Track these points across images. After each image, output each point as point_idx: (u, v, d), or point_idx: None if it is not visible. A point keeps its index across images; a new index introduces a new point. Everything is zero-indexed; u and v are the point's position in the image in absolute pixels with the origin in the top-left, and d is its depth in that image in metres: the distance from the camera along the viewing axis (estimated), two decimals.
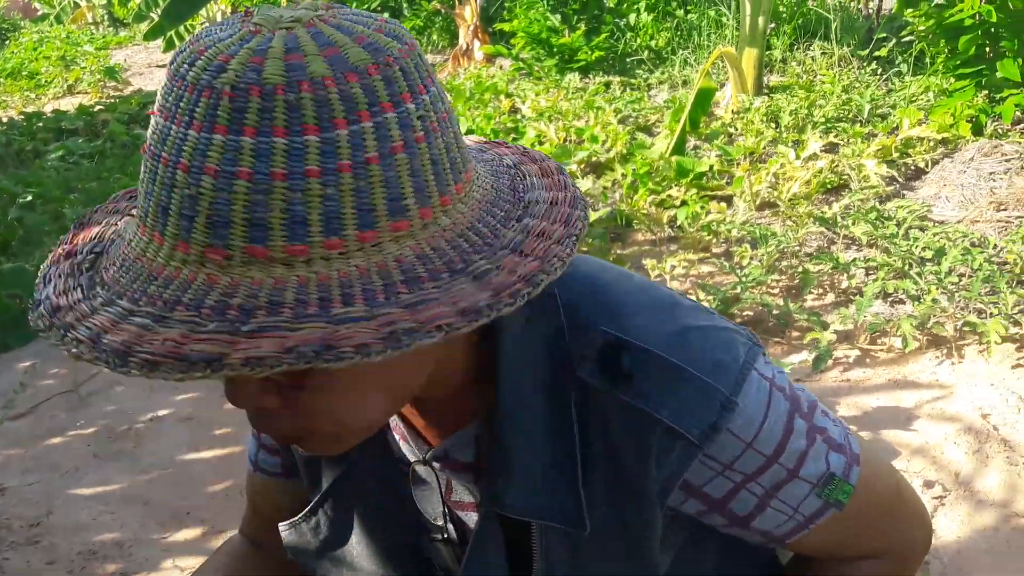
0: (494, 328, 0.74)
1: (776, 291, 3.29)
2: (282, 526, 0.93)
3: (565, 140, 4.93)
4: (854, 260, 3.33)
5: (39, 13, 14.12)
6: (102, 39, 11.98)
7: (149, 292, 0.58)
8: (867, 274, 3.32)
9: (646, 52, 6.88)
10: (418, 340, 0.54)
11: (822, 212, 3.73)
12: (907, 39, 5.79)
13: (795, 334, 3.01)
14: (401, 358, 0.55)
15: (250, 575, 1.04)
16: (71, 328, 0.57)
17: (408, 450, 0.87)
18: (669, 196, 4.00)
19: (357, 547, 0.90)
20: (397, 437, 0.87)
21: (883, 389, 2.72)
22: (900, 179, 4.17)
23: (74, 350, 0.56)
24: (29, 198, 4.91)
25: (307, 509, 0.91)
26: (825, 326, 2.90)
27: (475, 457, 0.82)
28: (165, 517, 2.40)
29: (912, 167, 4.32)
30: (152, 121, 0.60)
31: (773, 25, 6.41)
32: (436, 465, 0.85)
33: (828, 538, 0.83)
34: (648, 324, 0.76)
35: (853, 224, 3.54)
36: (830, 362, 2.82)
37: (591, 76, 6.64)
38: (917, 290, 3.02)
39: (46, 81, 9.64)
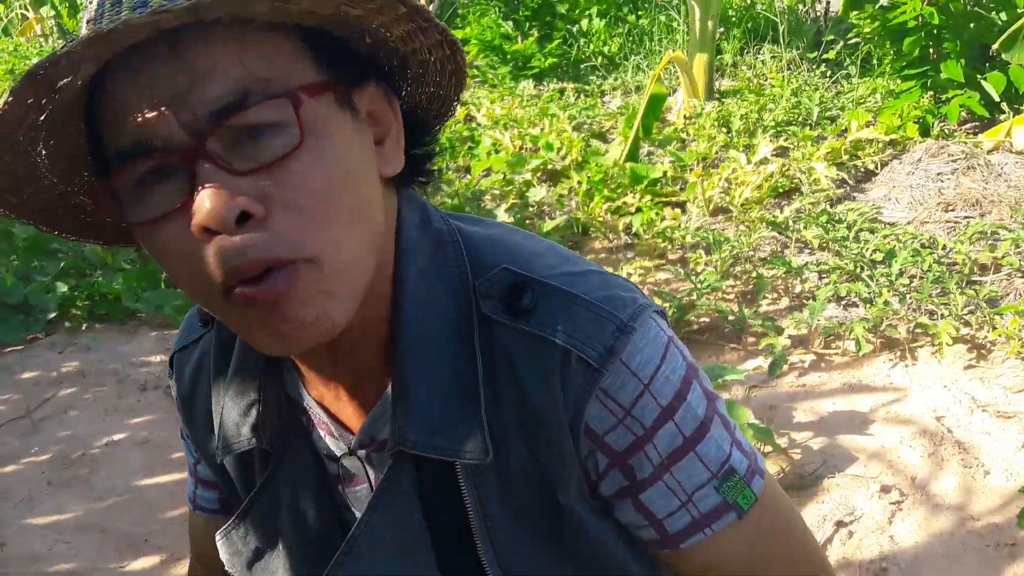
0: (397, 277, 0.78)
1: (731, 296, 3.32)
2: (217, 535, 0.91)
3: (521, 148, 4.94)
4: (807, 264, 3.37)
5: None
6: (51, 51, 11.76)
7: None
8: (820, 278, 3.37)
9: (599, 58, 6.92)
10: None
11: (774, 216, 3.78)
12: (854, 41, 5.88)
13: (751, 340, 3.04)
14: (362, 179, 0.69)
15: None
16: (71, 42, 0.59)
17: (334, 444, 0.87)
18: (624, 203, 4.03)
19: (285, 554, 0.89)
20: (322, 433, 0.87)
21: (838, 393, 2.76)
22: (850, 181, 4.24)
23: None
24: None
25: (235, 516, 0.89)
26: (780, 331, 2.94)
27: None
28: (122, 544, 2.36)
29: (862, 169, 4.39)
30: None
31: (723, 30, 6.48)
32: (362, 454, 0.85)
33: (727, 561, 0.82)
34: (550, 263, 0.80)
35: (805, 228, 3.59)
36: (785, 367, 2.86)
37: (545, 83, 6.66)
38: (869, 292, 3.07)
39: None
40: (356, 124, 0.72)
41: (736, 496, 0.79)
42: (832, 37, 6.20)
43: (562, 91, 6.32)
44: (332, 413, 0.86)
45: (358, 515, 0.88)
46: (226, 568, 0.93)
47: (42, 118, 0.65)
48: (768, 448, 2.44)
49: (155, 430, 2.86)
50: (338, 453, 0.87)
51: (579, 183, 4.28)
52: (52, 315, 3.67)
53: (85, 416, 2.99)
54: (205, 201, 0.62)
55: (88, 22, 0.69)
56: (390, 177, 0.78)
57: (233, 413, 0.86)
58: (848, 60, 5.94)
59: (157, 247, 0.68)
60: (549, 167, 4.60)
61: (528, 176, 4.42)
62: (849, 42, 5.96)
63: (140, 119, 0.64)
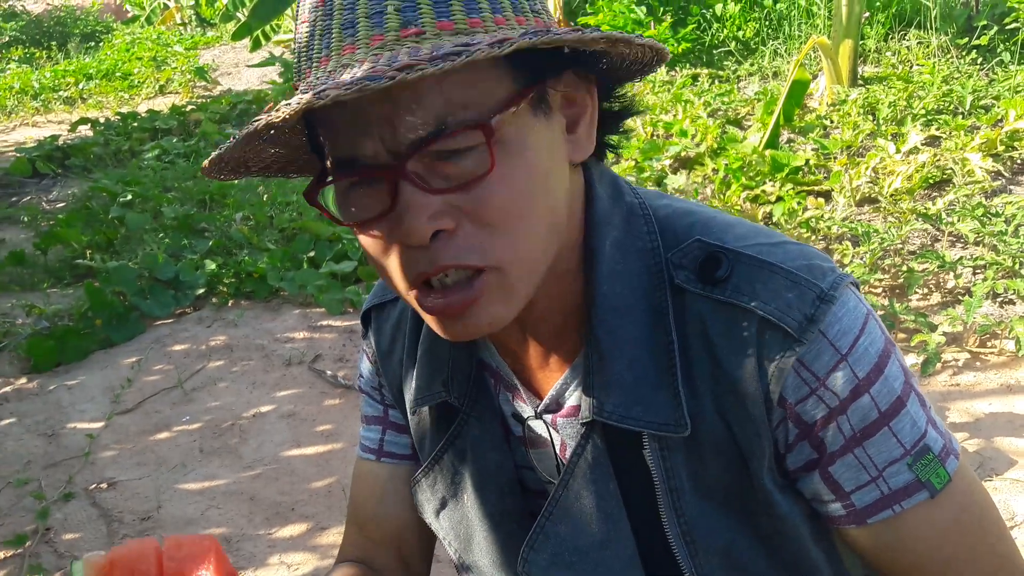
0: (589, 249, 0.80)
1: (879, 291, 3.20)
2: (415, 478, 0.96)
3: (653, 135, 4.88)
4: (960, 259, 3.22)
5: (130, 15, 14.57)
6: (191, 39, 12.29)
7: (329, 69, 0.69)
8: (974, 273, 3.21)
9: (734, 43, 6.76)
10: (551, 37, 0.64)
11: (925, 208, 3.61)
12: (1011, 26, 5.57)
13: (901, 336, 2.92)
14: (551, 176, 0.72)
15: None
16: (282, 107, 0.65)
17: (521, 406, 0.89)
18: (763, 191, 3.92)
19: (469, 505, 0.92)
20: (510, 395, 0.89)
21: (995, 394, 2.63)
22: (1007, 173, 4.02)
23: (294, 103, 0.63)
24: (129, 197, 5.06)
25: (424, 464, 0.94)
26: (933, 328, 2.81)
27: None
28: (270, 512, 2.44)
29: (1019, 161, 4.15)
30: None
31: (867, 14, 6.24)
32: (548, 418, 0.87)
33: (913, 542, 0.78)
34: (745, 234, 0.80)
35: (959, 221, 3.42)
36: (938, 365, 2.74)
37: (678, 69, 6.56)
38: None
39: (139, 82, 9.93)
40: (549, 123, 0.74)
41: (929, 475, 0.76)
42: (985, 22, 5.89)
43: (696, 77, 6.21)
44: (521, 376, 0.89)
45: (541, 475, 0.91)
46: (420, 514, 0.97)
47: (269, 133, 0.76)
48: None
49: (300, 404, 2.95)
50: (524, 415, 0.89)
51: (715, 170, 4.20)
52: (200, 291, 3.84)
53: (233, 388, 3.11)
54: (403, 220, 0.69)
55: (298, 53, 0.73)
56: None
57: (426, 369, 0.91)
58: (1003, 46, 5.63)
59: (361, 241, 0.75)
60: (683, 154, 4.52)
61: (665, 163, 4.36)
62: (1005, 27, 5.65)
63: (349, 140, 0.70)
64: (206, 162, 0.73)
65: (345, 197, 0.74)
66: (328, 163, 0.74)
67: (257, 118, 0.68)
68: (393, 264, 0.73)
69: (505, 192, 0.69)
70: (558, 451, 0.89)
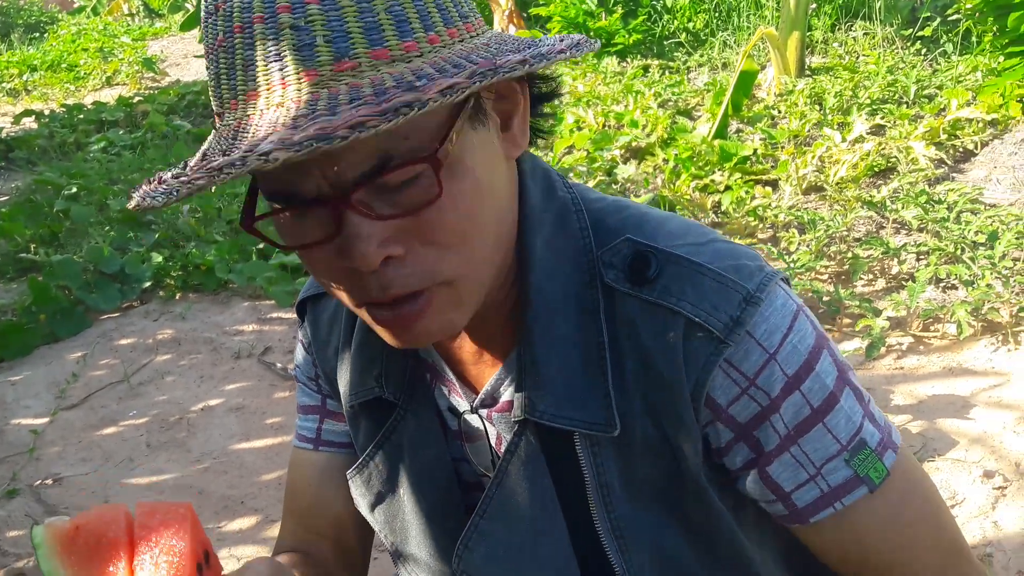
0: (522, 248, 0.79)
1: (825, 277, 3.25)
2: (349, 473, 0.95)
3: (604, 125, 4.90)
4: (904, 245, 3.28)
5: (76, 5, 14.27)
6: (138, 30, 12.08)
7: (259, 124, 0.64)
8: (918, 259, 3.27)
9: (684, 34, 6.81)
10: (513, 72, 0.63)
11: (870, 196, 3.67)
12: (953, 18, 5.68)
13: (846, 321, 2.97)
14: (494, 185, 0.71)
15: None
16: (191, 175, 0.63)
17: (457, 401, 0.89)
18: (712, 181, 3.96)
19: (405, 499, 0.91)
20: (446, 390, 0.89)
21: (938, 377, 2.68)
22: (949, 162, 4.10)
23: (214, 176, 0.60)
24: (74, 189, 4.97)
25: (360, 459, 0.93)
26: (877, 313, 2.86)
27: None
28: (219, 506, 2.42)
29: (961, 149, 4.24)
30: (219, 13, 0.66)
31: (814, 5, 6.31)
32: (484, 413, 0.87)
33: (858, 537, 0.79)
34: (674, 233, 0.80)
35: (903, 208, 3.49)
36: (883, 349, 2.78)
37: (629, 60, 6.59)
38: (970, 275, 2.96)
39: (85, 73, 9.74)
40: (487, 129, 0.72)
41: (867, 470, 0.77)
42: (929, 14, 6.00)
43: (646, 68, 6.24)
44: (456, 371, 0.88)
45: (477, 468, 0.91)
46: (356, 506, 0.96)
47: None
48: None
49: (249, 397, 2.92)
50: (460, 409, 0.89)
51: (665, 160, 4.22)
52: (147, 284, 3.78)
53: (181, 382, 3.08)
54: (352, 248, 0.66)
55: (216, 78, 0.69)
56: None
57: (359, 364, 0.90)
58: (945, 37, 5.74)
59: (304, 261, 0.74)
60: (634, 144, 4.55)
61: (614, 153, 4.38)
62: (948, 19, 5.75)
63: (285, 179, 0.67)
64: (131, 204, 0.69)
65: (284, 223, 0.72)
66: (265, 194, 0.71)
67: (191, 177, 0.64)
68: (341, 285, 0.72)
69: (453, 214, 0.68)
70: (493, 445, 0.89)
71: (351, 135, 0.57)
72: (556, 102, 0.84)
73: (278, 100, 0.64)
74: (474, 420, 0.89)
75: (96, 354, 3.31)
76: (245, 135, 0.63)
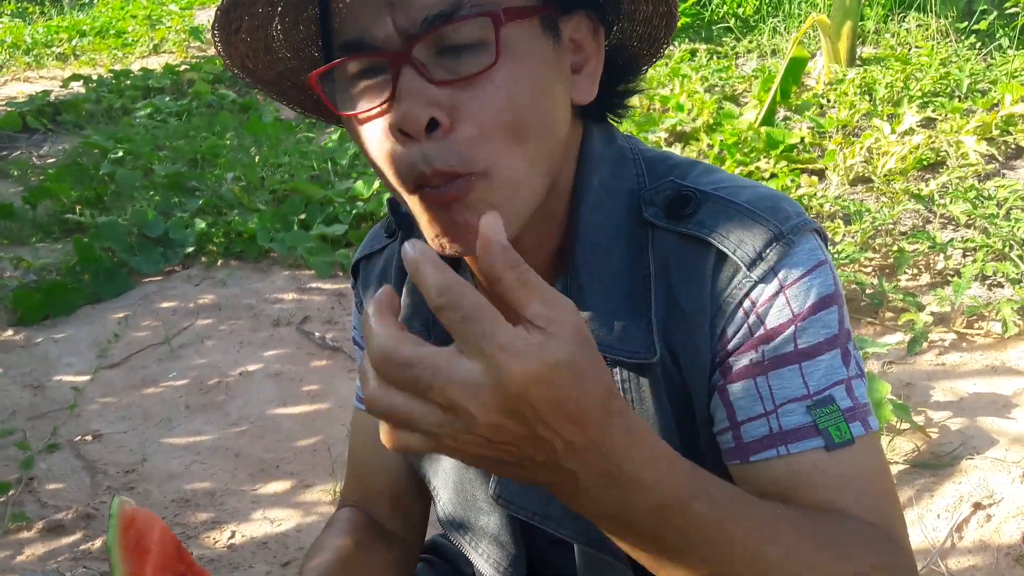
0: (577, 187, 0.82)
1: (869, 269, 3.21)
2: None
3: (649, 108, 4.86)
4: (951, 240, 3.22)
5: None
6: None
7: None
8: (964, 255, 3.22)
9: (733, 20, 6.73)
10: None
11: (918, 189, 3.62)
12: (1010, 11, 5.56)
13: (889, 315, 2.93)
14: (549, 99, 0.73)
15: (369, 542, 1.03)
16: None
17: None
18: (758, 168, 3.92)
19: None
20: None
21: (980, 375, 2.64)
22: (1000, 158, 4.02)
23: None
24: (120, 154, 5.02)
25: None
26: (921, 307, 2.82)
27: None
28: (255, 469, 2.45)
29: (1013, 146, 4.15)
30: None
31: None
32: None
33: (793, 491, 0.74)
34: (719, 179, 0.82)
35: (951, 203, 3.43)
36: (925, 345, 2.75)
37: (676, 43, 6.52)
38: (1018, 273, 2.91)
39: (133, 40, 9.81)
40: (556, 49, 0.75)
41: (828, 424, 0.74)
42: (985, 7, 5.87)
43: (694, 52, 6.18)
44: (501, 311, 0.88)
45: None
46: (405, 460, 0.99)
47: None
48: (905, 425, 2.35)
49: (287, 363, 2.95)
50: None
51: (710, 146, 4.19)
52: (190, 250, 3.82)
53: (220, 346, 3.11)
54: (401, 104, 0.68)
55: None
56: (583, 105, 0.80)
57: (407, 311, 0.92)
58: (1002, 31, 5.62)
59: (359, 138, 0.75)
60: (679, 128, 4.51)
61: (659, 135, 4.35)
62: (1005, 12, 5.63)
63: (363, 17, 0.69)
64: (214, 20, 0.74)
65: (346, 88, 0.74)
66: (337, 45, 0.73)
67: None
68: (390, 161, 0.72)
69: (504, 94, 0.70)
70: None
71: None
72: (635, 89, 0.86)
73: None
74: None
75: (138, 316, 3.35)
76: None
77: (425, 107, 0.68)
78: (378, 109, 0.71)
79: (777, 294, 0.75)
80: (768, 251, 0.75)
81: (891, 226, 3.36)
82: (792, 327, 0.75)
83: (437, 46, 0.69)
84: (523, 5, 0.71)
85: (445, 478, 0.94)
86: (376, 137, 0.72)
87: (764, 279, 0.75)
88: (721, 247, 0.76)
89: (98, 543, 2.16)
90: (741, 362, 0.77)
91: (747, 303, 0.76)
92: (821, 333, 0.75)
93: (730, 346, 0.77)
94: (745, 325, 0.76)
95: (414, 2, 0.67)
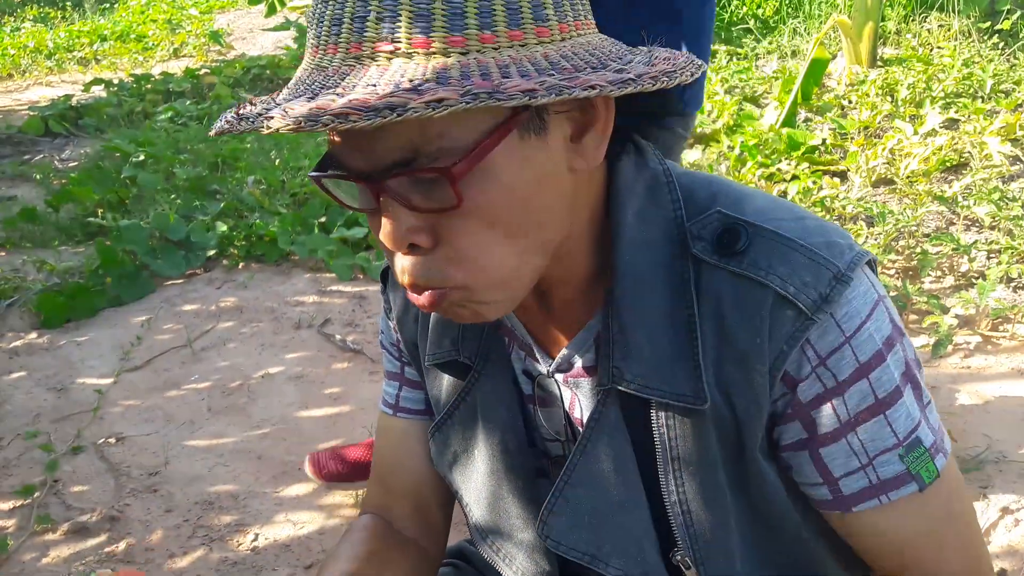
0: (611, 220, 0.79)
1: (892, 272, 3.19)
2: (429, 431, 0.98)
3: None
4: (975, 242, 3.20)
5: None
6: (206, 3, 12.20)
7: (325, 82, 0.65)
8: (989, 257, 3.19)
9: (753, 21, 6.70)
10: (572, 93, 0.61)
11: (941, 191, 3.59)
12: None
13: (912, 318, 2.91)
14: (537, 197, 0.70)
15: (386, 551, 1.05)
16: (259, 117, 0.64)
17: (535, 366, 0.90)
18: (779, 170, 3.90)
19: (480, 461, 0.93)
20: (523, 353, 0.90)
21: (1006, 378, 2.61)
22: None
23: (269, 123, 0.62)
24: (142, 157, 5.05)
25: (438, 419, 0.96)
26: (945, 310, 2.80)
27: (596, 360, 0.84)
28: (277, 472, 2.45)
29: None
30: None
31: None
32: (559, 378, 0.88)
33: (892, 533, 0.80)
34: (765, 208, 0.79)
35: (975, 204, 3.40)
36: (950, 348, 2.72)
37: None
38: None
39: (153, 44, 9.88)
40: (543, 139, 0.70)
41: (919, 468, 0.77)
42: (1009, 6, 5.82)
43: (714, 53, 6.16)
44: (534, 335, 0.89)
45: (547, 434, 0.93)
46: (436, 467, 0.99)
47: None
48: None
49: (308, 366, 2.96)
50: (536, 373, 0.90)
51: (731, 147, 4.17)
52: (211, 252, 3.83)
53: (242, 349, 3.12)
54: (383, 225, 0.70)
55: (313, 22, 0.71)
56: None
57: (437, 327, 0.92)
58: None
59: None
60: (699, 130, 4.50)
61: None
62: None
63: (336, 149, 0.70)
64: (213, 131, 0.72)
65: (343, 183, 0.75)
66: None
67: (263, 103, 0.69)
68: (383, 248, 0.74)
69: (476, 223, 0.69)
70: (568, 408, 0.90)
71: (388, 117, 0.59)
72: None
73: (326, 64, 0.67)
74: (550, 384, 0.89)
75: (160, 318, 3.37)
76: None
77: (405, 233, 0.69)
78: (371, 211, 0.72)
79: (843, 345, 0.74)
80: (830, 292, 0.74)
81: (914, 228, 3.34)
82: (866, 379, 0.75)
83: (409, 179, 0.68)
84: (496, 123, 0.66)
85: (477, 491, 0.94)
86: (375, 231, 0.73)
87: (825, 324, 0.74)
88: (781, 291, 0.74)
89: (123, 545, 2.17)
90: (824, 421, 0.77)
91: (810, 351, 0.74)
92: (894, 376, 0.76)
93: (802, 397, 0.76)
94: (813, 375, 0.75)
95: (375, 149, 0.66)
